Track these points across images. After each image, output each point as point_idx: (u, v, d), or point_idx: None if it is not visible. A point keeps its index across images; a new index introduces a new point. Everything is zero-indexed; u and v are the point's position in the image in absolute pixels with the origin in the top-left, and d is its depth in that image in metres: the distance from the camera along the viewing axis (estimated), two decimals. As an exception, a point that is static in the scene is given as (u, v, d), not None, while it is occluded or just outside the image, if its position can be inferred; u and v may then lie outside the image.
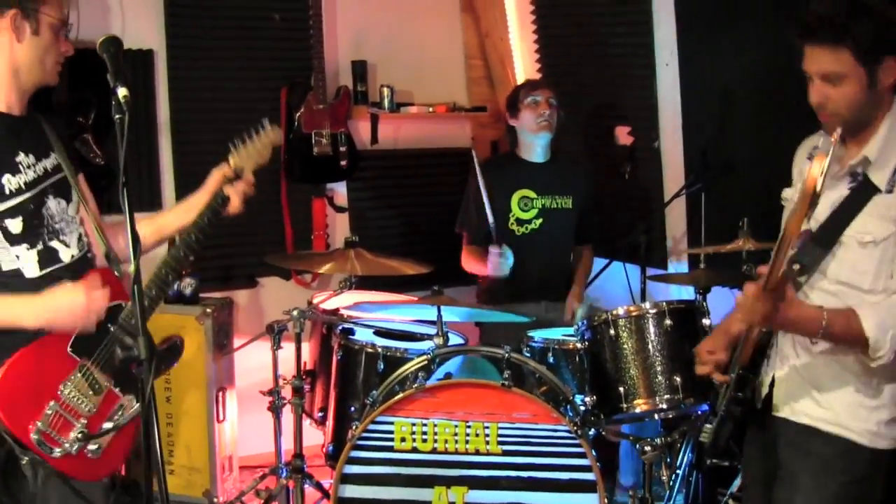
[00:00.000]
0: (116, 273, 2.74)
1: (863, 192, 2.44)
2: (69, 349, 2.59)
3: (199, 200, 2.90)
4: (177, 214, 2.95)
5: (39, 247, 2.62)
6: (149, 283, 2.71)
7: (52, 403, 2.53)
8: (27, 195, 2.61)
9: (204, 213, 2.86)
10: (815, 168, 2.07)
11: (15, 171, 2.61)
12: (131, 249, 2.21)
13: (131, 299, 2.17)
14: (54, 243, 2.66)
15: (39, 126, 2.74)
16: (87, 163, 4.39)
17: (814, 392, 2.51)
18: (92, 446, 2.59)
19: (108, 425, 2.63)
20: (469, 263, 4.49)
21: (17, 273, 2.59)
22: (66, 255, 2.68)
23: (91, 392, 2.61)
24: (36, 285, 2.57)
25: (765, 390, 2.63)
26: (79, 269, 2.69)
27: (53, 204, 2.68)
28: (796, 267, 2.45)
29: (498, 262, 4.19)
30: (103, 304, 2.58)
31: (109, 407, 2.65)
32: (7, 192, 2.57)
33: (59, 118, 2.86)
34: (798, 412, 2.54)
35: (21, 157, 2.63)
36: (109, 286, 2.64)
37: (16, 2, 2.57)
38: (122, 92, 2.31)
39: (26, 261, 2.60)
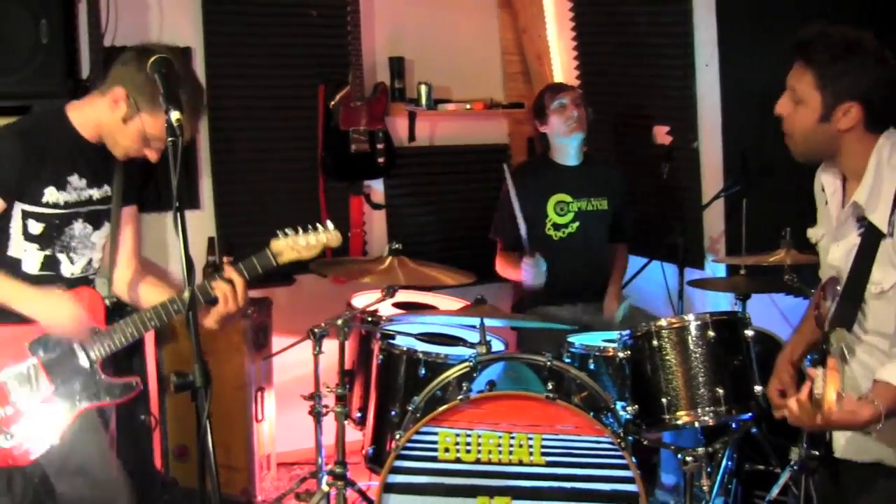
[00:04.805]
0: (107, 302, 2.90)
1: (871, 238, 2.41)
2: (27, 344, 2.73)
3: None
4: (158, 293, 2.96)
5: (48, 252, 2.79)
6: (127, 321, 2.82)
7: None
8: (59, 212, 2.77)
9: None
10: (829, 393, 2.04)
11: (61, 187, 2.76)
12: (185, 274, 2.26)
13: (188, 328, 2.20)
14: (62, 256, 2.82)
15: (106, 157, 2.84)
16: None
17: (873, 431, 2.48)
18: (2, 439, 2.69)
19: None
20: (504, 270, 4.48)
21: (16, 262, 2.76)
22: (68, 270, 2.84)
23: (28, 388, 2.71)
24: (27, 280, 2.75)
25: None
26: (72, 286, 2.83)
27: (79, 227, 2.84)
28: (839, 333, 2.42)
29: (532, 274, 4.18)
30: (83, 322, 2.74)
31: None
32: (44, 201, 2.73)
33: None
34: (860, 451, 2.50)
35: (73, 178, 2.77)
36: (94, 309, 2.83)
37: (130, 87, 2.69)
38: (174, 115, 2.34)
39: (30, 257, 2.77)
